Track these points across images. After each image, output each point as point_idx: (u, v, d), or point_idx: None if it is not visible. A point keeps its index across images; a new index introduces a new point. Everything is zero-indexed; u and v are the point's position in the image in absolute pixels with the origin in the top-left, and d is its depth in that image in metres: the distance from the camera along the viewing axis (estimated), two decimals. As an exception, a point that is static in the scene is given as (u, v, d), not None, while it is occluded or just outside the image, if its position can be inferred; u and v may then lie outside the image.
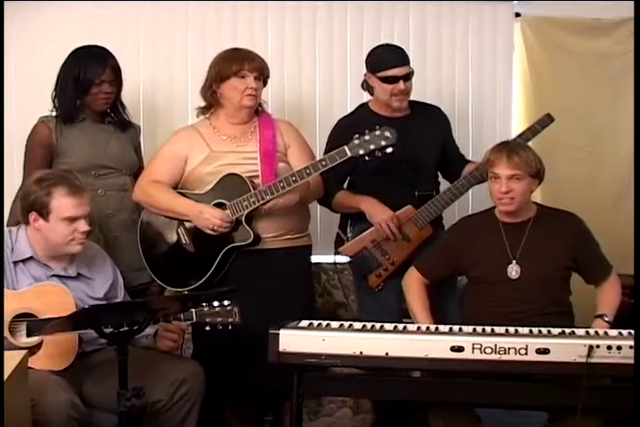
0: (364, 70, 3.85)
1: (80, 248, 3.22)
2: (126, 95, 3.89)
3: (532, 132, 3.76)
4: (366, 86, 3.86)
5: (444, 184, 3.95)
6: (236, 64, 3.58)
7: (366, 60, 3.83)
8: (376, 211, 3.74)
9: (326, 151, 3.70)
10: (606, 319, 3.33)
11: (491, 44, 4.71)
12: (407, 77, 3.75)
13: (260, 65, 3.62)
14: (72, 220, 3.15)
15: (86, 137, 3.72)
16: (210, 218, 3.50)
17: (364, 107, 3.93)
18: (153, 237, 3.70)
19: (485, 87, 4.73)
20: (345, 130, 3.72)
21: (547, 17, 4.69)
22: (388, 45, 3.89)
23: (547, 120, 3.77)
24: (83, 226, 3.18)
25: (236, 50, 3.67)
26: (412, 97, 3.90)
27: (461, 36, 4.68)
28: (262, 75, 3.63)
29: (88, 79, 3.65)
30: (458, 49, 4.69)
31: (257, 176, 3.58)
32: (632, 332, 2.93)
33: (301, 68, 4.56)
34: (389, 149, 3.39)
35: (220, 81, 3.61)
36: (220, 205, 3.56)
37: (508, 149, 3.33)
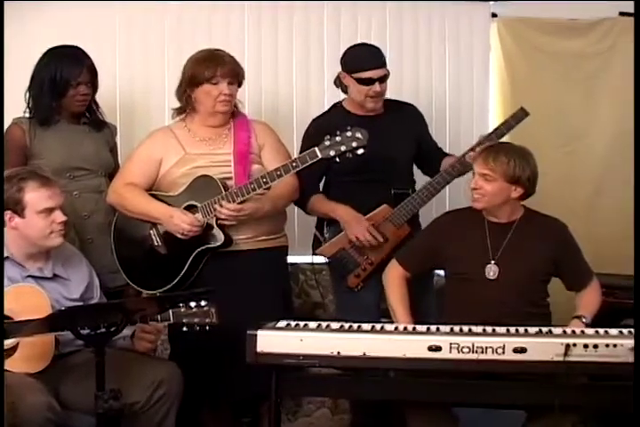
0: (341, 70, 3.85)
1: (61, 240, 3.21)
2: (103, 95, 3.88)
3: (506, 126, 3.74)
4: (339, 84, 3.84)
5: (419, 182, 3.94)
6: (209, 70, 3.55)
7: (342, 59, 3.81)
8: (350, 222, 3.72)
9: (301, 151, 3.70)
10: (584, 321, 3.32)
11: (467, 44, 4.73)
12: (383, 79, 3.73)
13: (232, 69, 3.59)
14: (48, 211, 3.14)
15: (60, 138, 3.70)
16: (179, 223, 3.49)
17: (337, 106, 3.92)
18: (126, 240, 3.69)
19: (462, 87, 4.75)
20: (318, 130, 3.72)
21: (523, 17, 4.71)
22: (364, 45, 3.87)
23: (521, 114, 3.75)
24: (59, 217, 3.17)
25: (208, 53, 3.63)
26: (390, 96, 3.90)
27: (438, 36, 4.70)
28: (236, 79, 3.61)
29: (65, 81, 3.63)
30: (435, 49, 4.71)
31: (231, 178, 3.58)
32: (608, 331, 2.95)
33: (278, 69, 4.56)
34: (360, 151, 3.38)
35: (194, 86, 3.60)
36: (191, 207, 3.56)
37: (492, 149, 3.34)
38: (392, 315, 3.45)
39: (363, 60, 3.74)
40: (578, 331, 2.97)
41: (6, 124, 3.74)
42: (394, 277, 3.51)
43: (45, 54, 3.68)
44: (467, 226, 3.43)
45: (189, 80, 3.61)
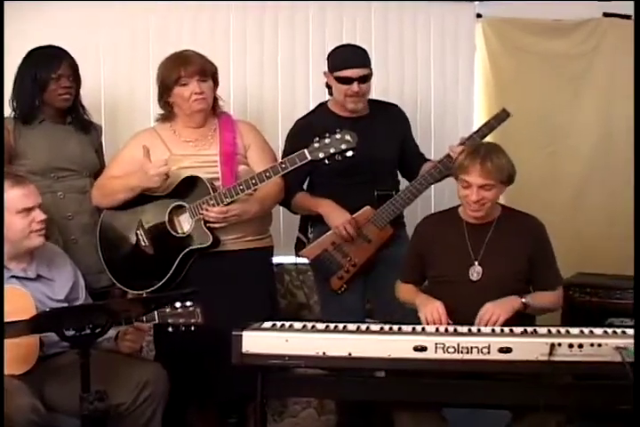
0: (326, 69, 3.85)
1: (42, 240, 3.20)
2: (87, 95, 3.87)
3: (488, 127, 3.73)
4: (328, 86, 3.85)
5: (403, 183, 3.94)
6: (174, 72, 3.56)
7: (327, 58, 3.81)
8: (333, 214, 3.74)
9: (285, 150, 3.71)
10: (524, 300, 3.21)
11: (452, 45, 4.73)
12: (363, 79, 3.71)
13: (198, 67, 3.57)
14: (27, 211, 3.13)
15: (45, 138, 3.69)
16: (149, 171, 3.48)
17: (322, 106, 3.92)
18: (112, 240, 3.68)
19: (447, 87, 4.75)
20: (303, 130, 3.73)
21: (508, 18, 4.72)
22: (350, 46, 3.87)
23: (503, 115, 3.74)
24: (39, 215, 3.16)
25: (173, 55, 3.63)
26: (375, 96, 3.90)
27: (423, 37, 4.70)
28: (205, 75, 3.59)
29: (45, 75, 3.62)
30: (420, 49, 4.70)
31: (217, 179, 3.58)
32: (593, 330, 2.97)
33: (263, 69, 4.55)
34: (349, 153, 3.39)
35: (167, 91, 3.60)
36: (179, 208, 3.56)
37: (482, 156, 3.23)
38: (419, 311, 3.31)
39: (343, 59, 3.73)
40: (562, 330, 2.98)
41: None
42: (406, 291, 3.47)
43: (26, 56, 3.68)
44: (445, 229, 3.41)
45: (162, 87, 3.62)
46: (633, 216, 4.19)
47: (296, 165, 3.45)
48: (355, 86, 3.70)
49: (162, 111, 3.72)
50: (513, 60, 4.75)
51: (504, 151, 3.33)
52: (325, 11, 4.58)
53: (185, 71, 3.55)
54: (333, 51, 3.81)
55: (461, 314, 3.19)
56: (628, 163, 4.60)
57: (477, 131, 3.76)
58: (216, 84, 3.67)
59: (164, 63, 3.63)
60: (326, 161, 3.42)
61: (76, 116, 3.79)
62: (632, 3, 4.31)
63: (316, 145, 3.40)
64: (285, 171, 3.47)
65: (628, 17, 4.68)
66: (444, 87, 4.75)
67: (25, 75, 3.65)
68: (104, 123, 4.11)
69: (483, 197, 3.25)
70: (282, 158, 3.60)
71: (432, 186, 3.88)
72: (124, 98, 4.41)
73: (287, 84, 4.57)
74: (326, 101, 3.92)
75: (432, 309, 3.21)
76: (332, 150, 3.38)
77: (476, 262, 3.32)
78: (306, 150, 3.42)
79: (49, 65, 3.64)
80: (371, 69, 3.75)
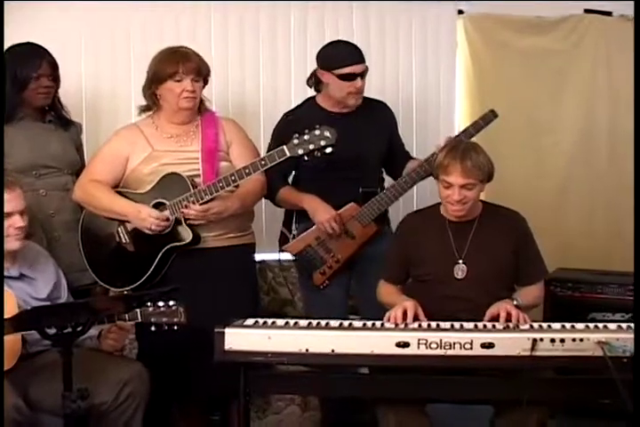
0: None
1: (19, 244, 3.18)
2: (69, 93, 3.86)
3: (475, 128, 3.74)
4: (315, 82, 3.82)
5: (388, 181, 3.95)
6: (172, 66, 3.54)
7: (321, 56, 3.78)
8: (318, 210, 3.73)
9: (270, 145, 3.70)
10: (515, 303, 3.19)
11: (434, 42, 4.76)
12: (363, 75, 3.72)
13: (196, 66, 3.57)
14: (6, 215, 3.11)
15: (26, 136, 3.66)
16: (146, 218, 3.48)
17: (310, 101, 3.89)
18: (94, 238, 3.67)
19: (429, 84, 4.77)
20: (290, 124, 3.70)
21: (489, 14, 4.74)
22: (343, 42, 3.85)
23: (490, 116, 3.75)
24: (17, 222, 3.14)
25: (172, 50, 3.61)
26: (357, 94, 3.91)
27: (405, 34, 4.72)
28: (200, 75, 3.58)
29: (25, 74, 3.59)
30: (401, 46, 4.72)
31: (198, 175, 3.57)
32: (575, 325, 2.98)
33: (245, 66, 4.54)
34: (329, 149, 3.38)
35: (158, 83, 3.58)
36: (159, 205, 3.54)
37: (461, 155, 3.23)
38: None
39: (344, 56, 3.71)
40: (545, 326, 2.99)
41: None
42: (387, 293, 3.46)
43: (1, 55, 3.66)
44: (427, 228, 3.41)
45: (153, 77, 3.59)
46: (613, 213, 4.26)
47: (275, 162, 3.44)
48: (358, 82, 3.69)
49: (145, 102, 3.69)
50: (495, 57, 4.77)
51: (482, 149, 3.33)
52: (307, 9, 4.57)
53: (183, 67, 3.53)
54: (328, 48, 3.79)
55: (446, 312, 3.18)
56: (608, 159, 4.64)
57: (464, 131, 3.76)
58: (205, 85, 3.67)
59: (161, 55, 3.60)
60: (305, 158, 3.42)
61: (55, 115, 3.77)
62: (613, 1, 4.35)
63: (295, 141, 3.39)
64: (265, 167, 3.46)
65: (609, 13, 4.71)
66: (425, 83, 4.76)
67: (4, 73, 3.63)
68: (86, 121, 4.09)
69: (465, 197, 3.24)
70: (268, 152, 3.59)
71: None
72: (106, 97, 4.39)
73: (269, 82, 4.57)
74: (314, 97, 3.90)
75: (398, 307, 3.14)
76: (311, 147, 3.38)
77: (461, 261, 3.32)
78: (285, 147, 3.41)
79: (29, 64, 3.61)
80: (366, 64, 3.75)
